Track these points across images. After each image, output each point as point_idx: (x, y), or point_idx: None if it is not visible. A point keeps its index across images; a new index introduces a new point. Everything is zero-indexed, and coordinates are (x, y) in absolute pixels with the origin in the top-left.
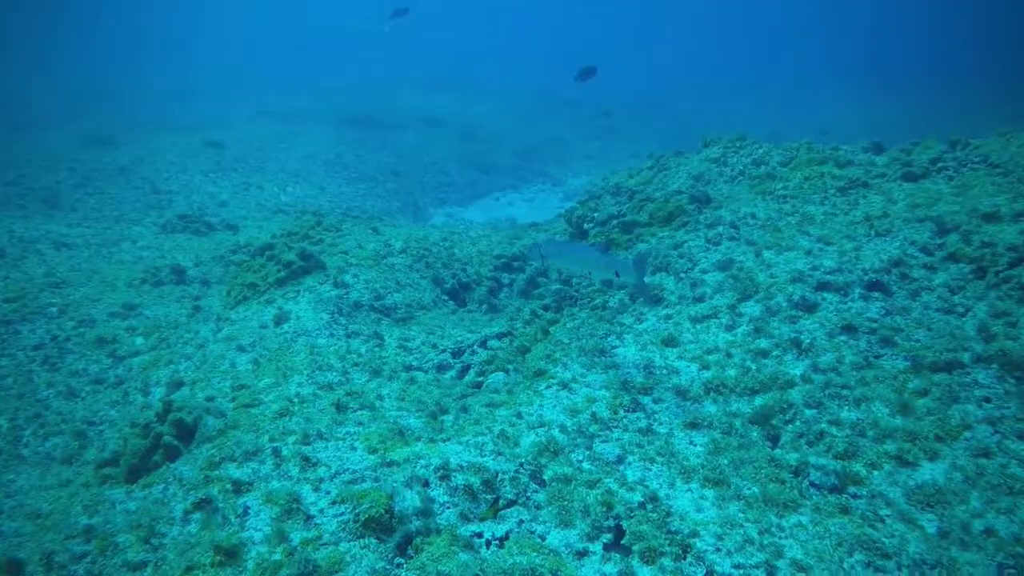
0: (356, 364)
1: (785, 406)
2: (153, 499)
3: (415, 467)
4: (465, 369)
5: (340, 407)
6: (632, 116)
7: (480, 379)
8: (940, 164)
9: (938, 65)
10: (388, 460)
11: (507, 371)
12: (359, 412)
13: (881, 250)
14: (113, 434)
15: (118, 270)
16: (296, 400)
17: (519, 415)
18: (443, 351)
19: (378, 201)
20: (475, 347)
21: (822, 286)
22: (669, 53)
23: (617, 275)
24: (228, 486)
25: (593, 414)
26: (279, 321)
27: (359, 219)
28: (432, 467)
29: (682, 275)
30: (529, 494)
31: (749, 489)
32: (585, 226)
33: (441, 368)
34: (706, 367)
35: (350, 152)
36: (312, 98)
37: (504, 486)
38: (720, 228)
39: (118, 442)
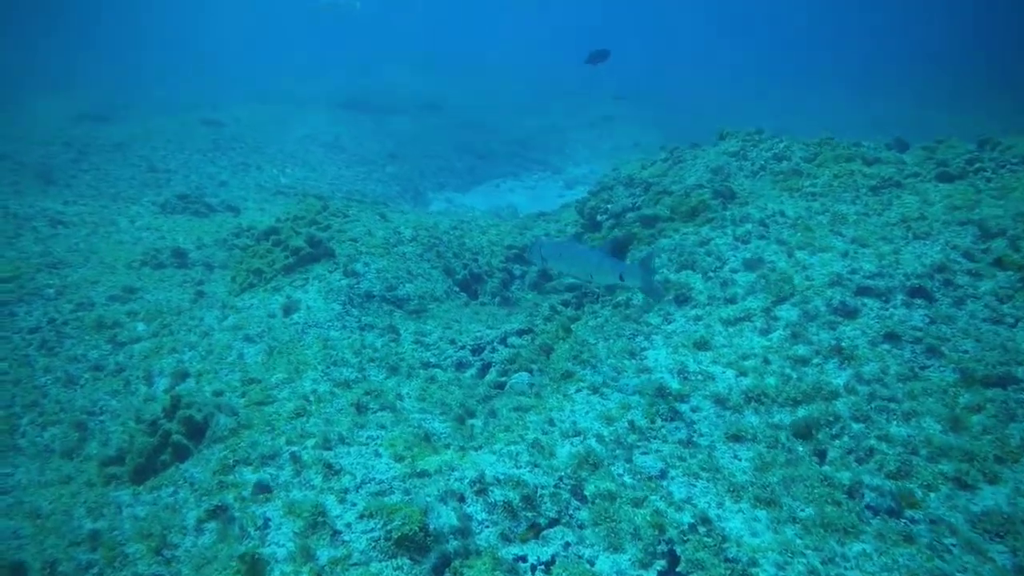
0: (372, 360)
1: (831, 419)
2: (163, 504)
3: (448, 479)
4: (486, 367)
5: (360, 408)
6: (633, 106)
7: (503, 379)
8: (978, 165)
9: (933, 59)
10: (418, 470)
11: (531, 371)
12: (380, 414)
13: (922, 254)
14: (115, 427)
15: (117, 251)
16: (312, 399)
17: (551, 422)
18: (462, 347)
19: (378, 185)
20: (495, 344)
21: (862, 291)
22: (669, 45)
23: (622, 279)
24: (245, 493)
25: (631, 423)
26: (288, 311)
27: (364, 204)
28: (467, 480)
29: (710, 274)
30: (571, 512)
31: (803, 510)
32: (598, 218)
33: (460, 365)
34: (743, 374)
35: (348, 135)
36: (302, 80)
37: (544, 502)
38: (748, 226)
39: (122, 437)
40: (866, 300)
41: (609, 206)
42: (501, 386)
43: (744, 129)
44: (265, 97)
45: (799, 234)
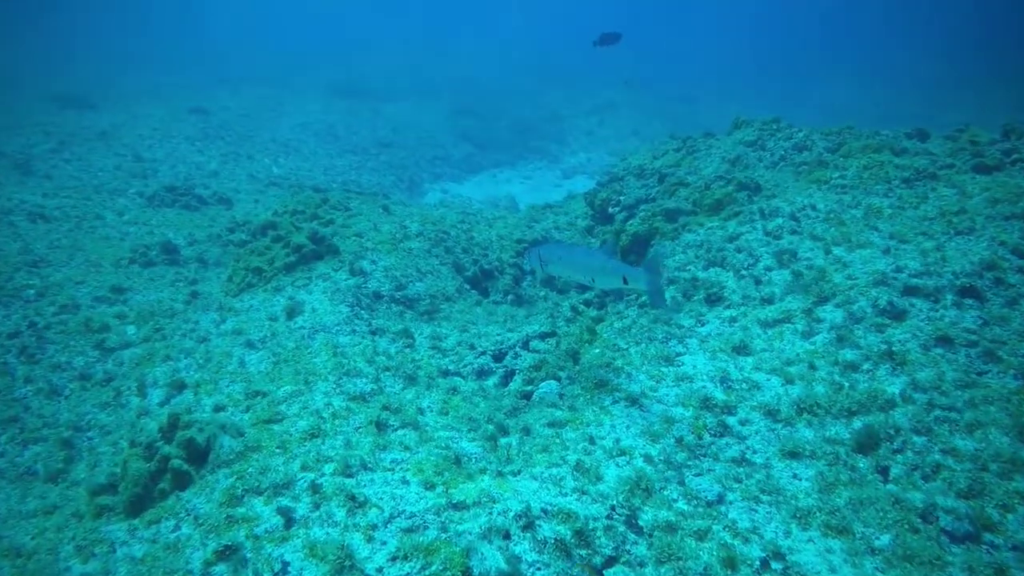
0: (387, 369)
1: (891, 431)
2: (164, 542)
3: (490, 512)
4: (509, 375)
5: (380, 425)
6: (633, 94)
7: (528, 388)
8: (1015, 156)
9: (934, 49)
10: (454, 500)
11: (559, 379)
12: (402, 432)
13: (968, 251)
14: (106, 447)
15: (103, 247)
16: (327, 415)
17: (592, 440)
18: (482, 353)
19: (372, 175)
20: (517, 349)
21: (909, 291)
22: (667, 34)
23: (626, 282)
24: (257, 530)
25: (678, 440)
26: (291, 313)
27: (364, 196)
28: (512, 513)
29: (743, 272)
30: (629, 547)
31: (879, 538)
32: (610, 210)
33: (482, 373)
34: (790, 382)
35: (341, 122)
36: (294, 66)
37: (598, 537)
38: (779, 220)
39: (114, 461)
40: (914, 301)
41: (621, 198)
42: (527, 396)
43: (760, 117)
44: (255, 83)
45: (833, 229)
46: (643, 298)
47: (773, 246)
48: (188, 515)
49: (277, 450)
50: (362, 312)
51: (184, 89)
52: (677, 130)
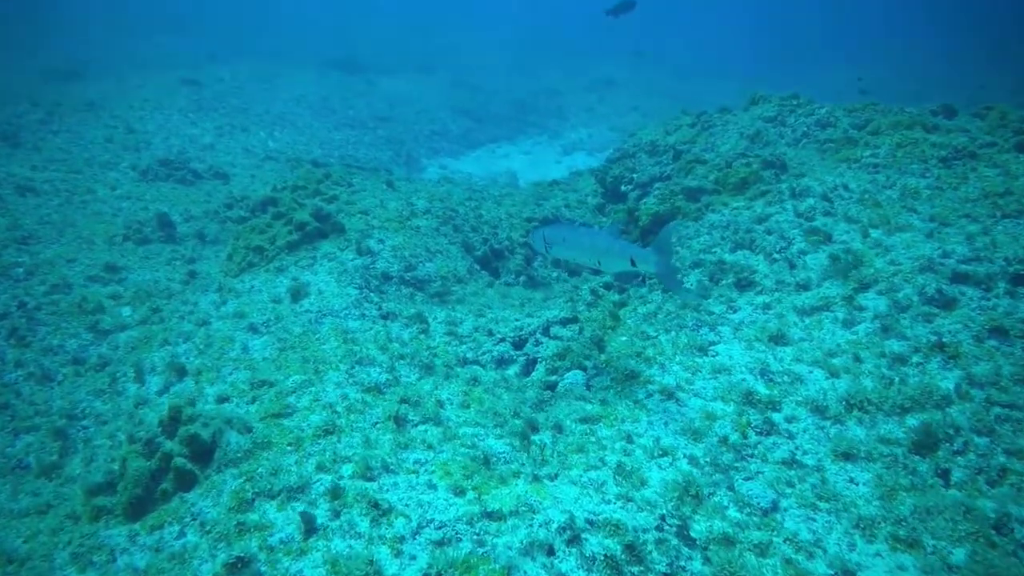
0: (401, 357)
1: (951, 431)
2: (168, 552)
3: (530, 524)
4: (531, 363)
5: (399, 421)
6: (633, 69)
7: (552, 378)
8: None
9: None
10: (488, 509)
11: (584, 369)
12: (423, 428)
13: (1018, 235)
14: (102, 439)
15: (95, 223)
16: (341, 409)
17: (629, 438)
18: (501, 340)
19: (370, 150)
20: (538, 335)
21: (958, 277)
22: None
23: (634, 264)
24: (272, 540)
25: (723, 439)
26: (296, 295)
27: (365, 171)
28: (555, 525)
29: (775, 255)
30: (683, 562)
31: (953, 553)
32: (623, 188)
33: (502, 362)
34: (835, 375)
35: (337, 96)
36: (289, 38)
37: (650, 552)
38: (811, 200)
39: (111, 455)
40: (964, 288)
41: (634, 175)
42: (552, 387)
43: (777, 93)
44: (248, 53)
45: (869, 210)
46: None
47: (806, 228)
48: (194, 520)
49: (289, 448)
50: (371, 295)
51: (174, 57)
52: (677, 106)
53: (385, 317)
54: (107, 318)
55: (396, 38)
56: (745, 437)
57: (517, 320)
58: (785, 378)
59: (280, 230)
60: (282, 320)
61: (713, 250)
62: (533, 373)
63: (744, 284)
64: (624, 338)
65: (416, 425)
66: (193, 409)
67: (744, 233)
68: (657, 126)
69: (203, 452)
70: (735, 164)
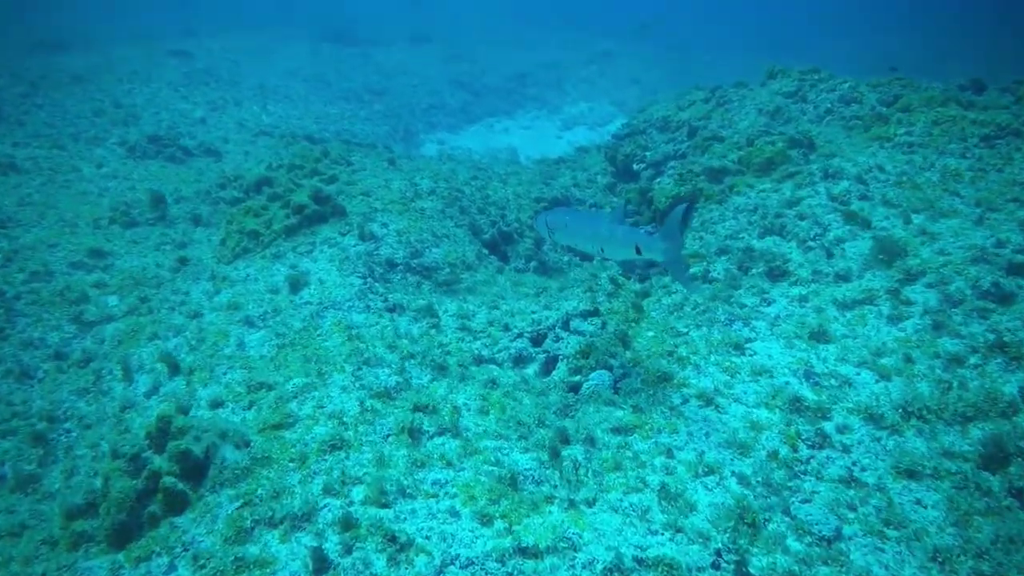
0: (411, 355)
1: (1022, 444)
2: None
3: (571, 563)
4: (551, 361)
5: (414, 433)
6: (633, 42)
7: (576, 379)
8: None
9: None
10: (522, 544)
11: (610, 368)
12: (440, 441)
13: None
14: (84, 448)
15: (79, 204)
16: (349, 420)
17: (669, 452)
18: (518, 335)
19: (366, 124)
20: (557, 330)
21: (1015, 269)
22: None
23: (639, 251)
24: None
25: (771, 453)
26: (296, 286)
27: (364, 148)
28: (600, 566)
29: (810, 243)
30: None
31: None
32: (635, 167)
33: (520, 360)
34: (886, 377)
35: (331, 69)
36: (280, 8)
37: None
38: (844, 183)
39: (93, 468)
40: (1022, 281)
41: (647, 153)
42: (575, 388)
43: (796, 67)
44: (238, 25)
45: (908, 194)
46: (694, 269)
47: (841, 213)
48: (185, 551)
49: (291, 465)
50: (376, 285)
51: (163, 34)
52: (683, 80)
53: (392, 310)
54: (92, 308)
55: (390, 9)
56: (795, 450)
57: (534, 313)
58: (832, 381)
59: (277, 213)
60: (280, 313)
61: (740, 236)
62: (554, 372)
63: (777, 274)
64: (651, 333)
65: (432, 437)
66: (184, 419)
67: (773, 218)
68: (668, 101)
69: (195, 469)
70: (758, 142)
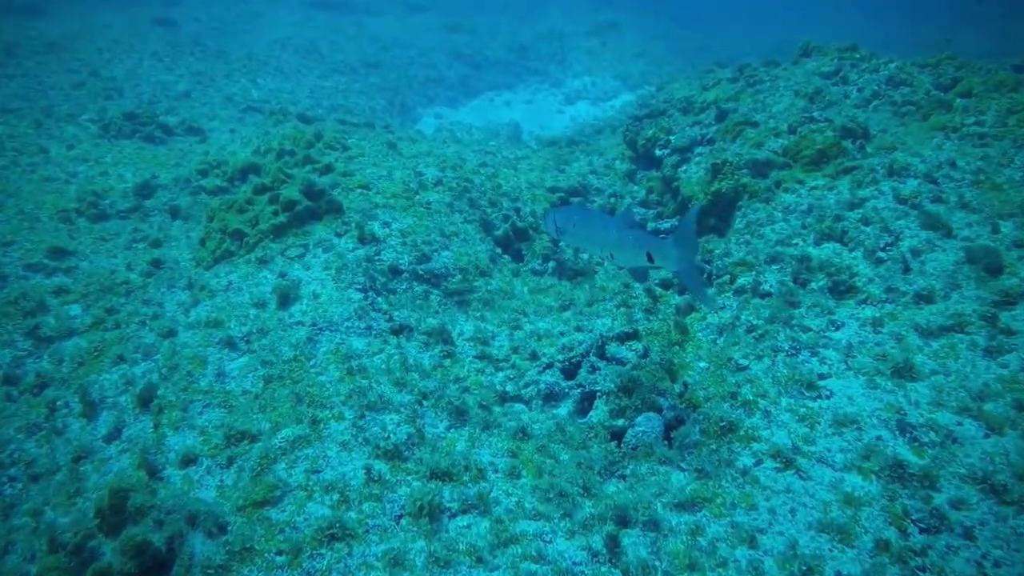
0: (423, 395)
1: None
2: None
3: None
4: (587, 398)
5: (433, 513)
6: (637, 14)
7: (619, 422)
8: None
9: None
10: None
11: (659, 409)
12: (465, 522)
13: None
14: (25, 516)
15: (42, 193)
16: (353, 495)
17: (752, 541)
18: (548, 366)
19: (361, 98)
20: (592, 357)
21: None
22: None
23: (650, 259)
24: None
25: (879, 543)
26: (285, 299)
27: (360, 127)
28: None
29: (880, 254)
30: None
31: None
32: (657, 152)
33: (551, 397)
34: (995, 429)
35: (324, 38)
36: None
37: None
38: (913, 182)
39: (30, 548)
40: None
41: (671, 138)
42: (618, 435)
43: (834, 44)
44: None
45: (990, 196)
46: (741, 281)
47: (912, 218)
48: None
49: (280, 559)
50: (378, 299)
51: (147, 0)
52: (689, 53)
53: (398, 332)
54: (50, 320)
55: None
56: (906, 535)
57: (563, 335)
58: (932, 435)
59: (264, 209)
60: (267, 334)
61: (793, 241)
62: (592, 413)
63: (843, 289)
64: (703, 364)
65: (455, 516)
66: (142, 497)
67: (832, 221)
68: (690, 79)
69: (156, 568)
70: (802, 130)
